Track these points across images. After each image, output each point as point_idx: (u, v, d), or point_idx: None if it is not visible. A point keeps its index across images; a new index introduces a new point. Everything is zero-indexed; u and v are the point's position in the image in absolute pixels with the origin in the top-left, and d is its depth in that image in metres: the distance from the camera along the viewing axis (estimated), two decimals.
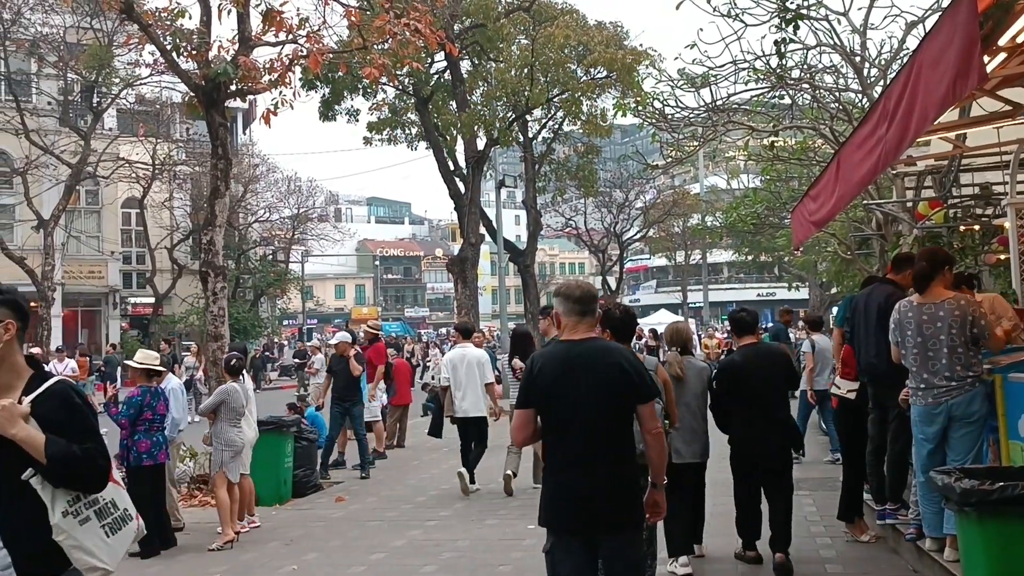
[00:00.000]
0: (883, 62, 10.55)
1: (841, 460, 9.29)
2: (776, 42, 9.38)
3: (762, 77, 10.57)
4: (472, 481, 9.34)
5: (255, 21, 10.11)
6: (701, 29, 13.20)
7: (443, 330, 54.57)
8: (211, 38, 10.06)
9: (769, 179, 17.80)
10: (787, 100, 11.60)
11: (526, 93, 21.75)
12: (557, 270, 78.86)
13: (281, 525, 8.26)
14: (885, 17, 16.79)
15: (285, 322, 50.95)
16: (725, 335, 25.47)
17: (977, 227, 9.10)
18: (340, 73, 17.82)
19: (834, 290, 25.61)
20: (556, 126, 27.72)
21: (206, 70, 9.85)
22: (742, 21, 9.67)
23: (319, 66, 9.83)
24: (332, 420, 10.96)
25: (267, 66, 9.86)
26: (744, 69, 10.36)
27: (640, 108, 12.04)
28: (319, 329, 50.48)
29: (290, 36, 9.89)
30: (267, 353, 34.77)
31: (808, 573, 5.81)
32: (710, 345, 22.59)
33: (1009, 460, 4.94)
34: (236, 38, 10.13)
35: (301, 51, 9.96)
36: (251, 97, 14.16)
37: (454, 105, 23.36)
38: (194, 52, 9.89)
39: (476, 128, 22.32)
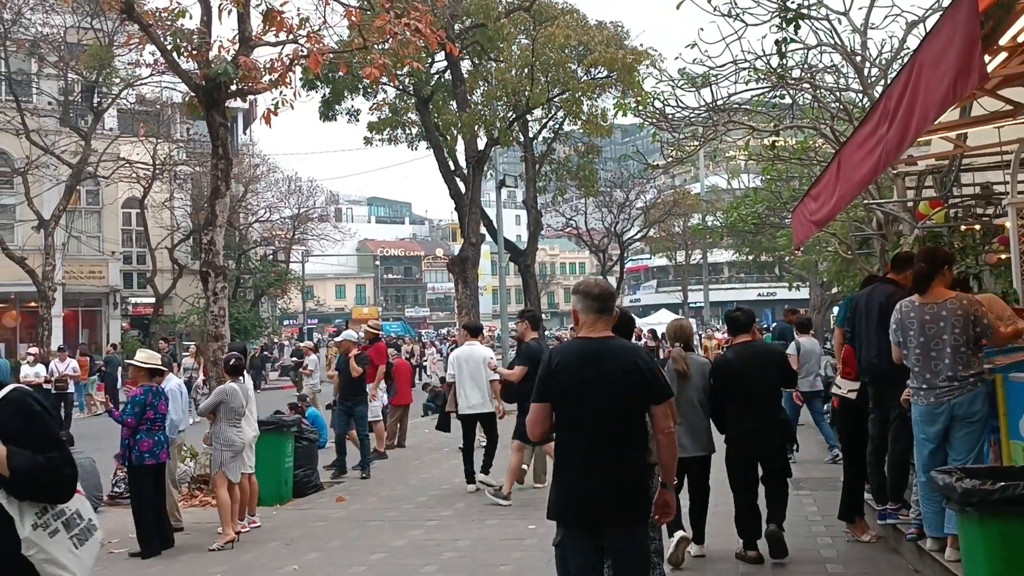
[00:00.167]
0: (884, 62, 10.55)
1: (840, 456, 9.37)
2: (777, 42, 9.37)
3: (763, 77, 10.56)
4: (475, 478, 9.41)
5: (255, 21, 10.13)
6: (701, 29, 13.21)
7: (444, 330, 54.60)
8: (211, 38, 10.07)
9: (770, 179, 17.79)
10: (788, 100, 11.60)
11: (526, 93, 21.75)
12: (557, 270, 78.89)
13: (282, 525, 8.26)
14: (886, 17, 16.81)
15: (286, 322, 50.98)
16: (725, 335, 25.47)
17: (978, 227, 9.09)
18: (340, 73, 17.82)
19: (835, 290, 25.59)
20: (556, 126, 27.72)
21: (206, 70, 9.85)
22: (743, 21, 9.67)
23: (319, 66, 9.83)
24: (336, 419, 10.99)
25: (267, 66, 9.86)
26: (745, 69, 10.35)
27: (640, 108, 12.03)
28: (320, 329, 50.52)
29: (290, 36, 9.89)
30: (265, 353, 34.75)
31: (809, 573, 5.81)
32: (709, 346, 22.54)
33: (1010, 460, 4.93)
34: (236, 38, 10.13)
35: (301, 51, 9.95)
36: (251, 97, 14.15)
37: (454, 105, 23.35)
38: (194, 52, 9.89)
39: (476, 128, 22.31)
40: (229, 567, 6.81)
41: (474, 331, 10.09)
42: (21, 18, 22.05)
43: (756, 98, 11.72)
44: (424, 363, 26.00)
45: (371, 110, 24.73)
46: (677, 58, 15.76)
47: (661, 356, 14.84)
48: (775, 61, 9.90)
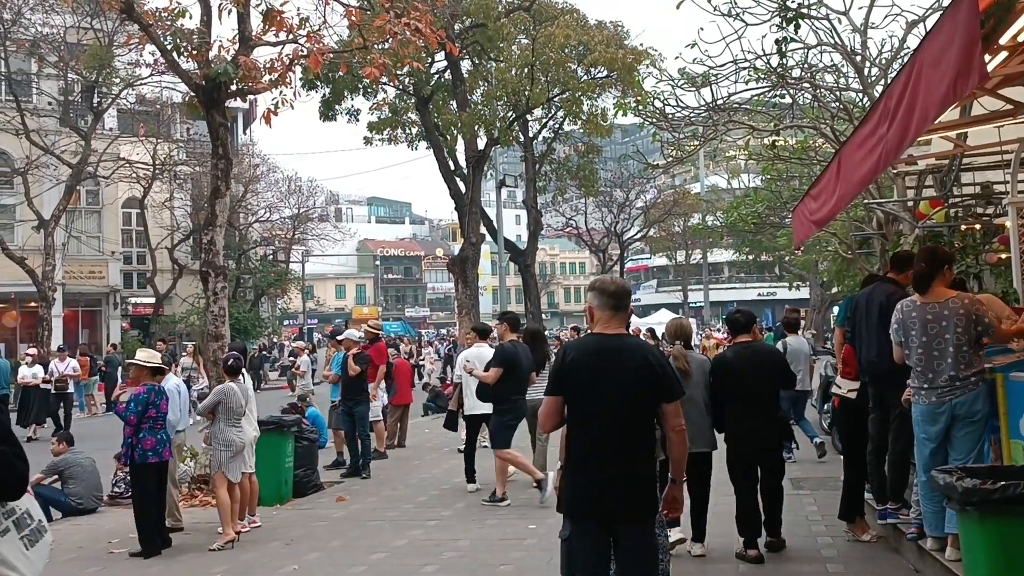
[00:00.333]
0: (884, 61, 10.56)
1: (816, 441, 10.12)
2: (777, 41, 9.38)
3: (763, 76, 10.57)
4: (475, 477, 9.45)
5: (255, 21, 10.12)
6: (702, 28, 13.22)
7: (444, 330, 54.61)
8: (211, 38, 10.06)
9: (770, 178, 17.82)
10: (788, 99, 11.61)
11: (526, 93, 21.76)
12: (558, 270, 78.93)
13: (282, 525, 8.26)
14: (886, 16, 16.85)
15: (286, 322, 51.00)
16: (725, 335, 25.46)
17: (978, 226, 9.09)
18: (340, 73, 17.83)
19: (835, 289, 25.62)
20: (556, 126, 27.74)
21: (206, 70, 9.85)
22: (743, 20, 9.68)
23: (319, 66, 9.82)
24: (340, 420, 11.00)
25: (267, 66, 9.85)
26: (745, 68, 10.37)
27: (641, 107, 12.05)
28: (320, 329, 50.52)
29: (290, 36, 9.88)
30: (264, 353, 34.74)
31: (809, 572, 5.81)
32: (708, 346, 22.48)
33: (1010, 459, 4.93)
34: (236, 38, 10.13)
35: (301, 51, 9.95)
36: (251, 97, 14.14)
37: (454, 105, 23.36)
38: (194, 52, 9.89)
39: (476, 128, 22.32)
40: (229, 567, 6.81)
41: (483, 333, 10.17)
42: (21, 18, 22.07)
43: (756, 98, 11.73)
44: (421, 362, 25.96)
45: (371, 110, 24.77)
46: (677, 58, 15.85)
47: None
48: (775, 61, 9.91)
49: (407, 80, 22.60)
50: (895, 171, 9.07)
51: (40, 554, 2.76)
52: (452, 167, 23.68)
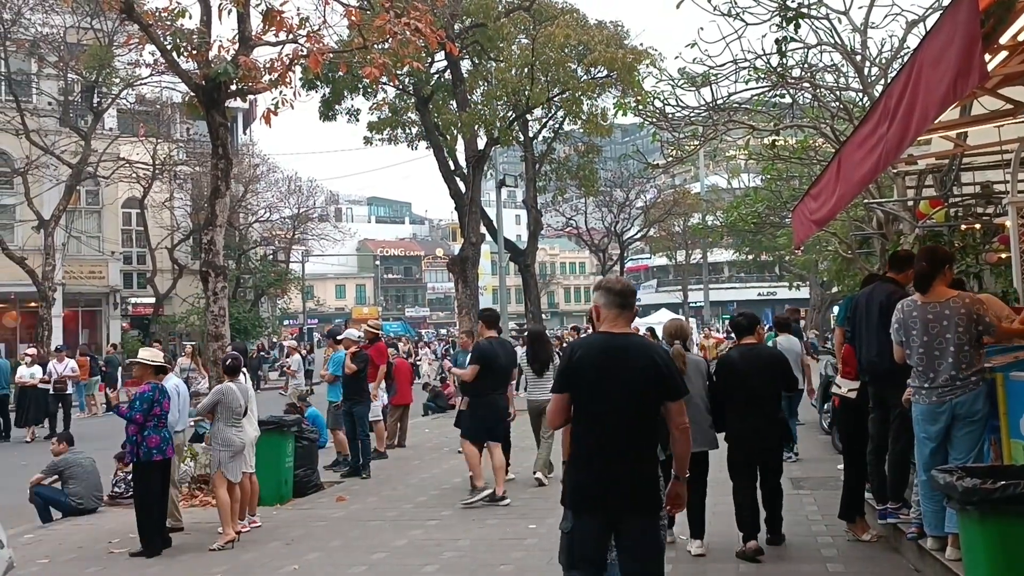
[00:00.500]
0: (884, 61, 10.55)
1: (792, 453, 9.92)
2: (777, 41, 9.38)
3: (763, 76, 10.57)
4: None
5: (255, 21, 10.12)
6: (701, 28, 13.22)
7: (443, 331, 54.60)
8: (211, 38, 10.06)
9: (770, 178, 17.80)
10: (788, 99, 11.61)
11: (526, 92, 21.75)
12: (558, 270, 78.92)
13: (282, 525, 8.26)
14: (886, 16, 16.86)
15: (286, 322, 50.97)
16: (725, 335, 25.46)
17: (978, 226, 9.10)
18: (340, 73, 17.81)
19: (835, 289, 25.62)
20: (556, 125, 27.73)
21: (206, 70, 9.84)
22: (743, 20, 9.67)
23: (319, 66, 9.82)
24: (341, 420, 10.99)
25: (267, 66, 9.84)
26: (745, 68, 10.37)
27: (641, 107, 12.05)
28: (320, 329, 50.51)
29: (290, 36, 9.88)
30: (262, 353, 34.71)
31: (809, 572, 5.81)
32: (707, 345, 22.49)
33: (1011, 459, 4.93)
34: (236, 38, 10.13)
35: (301, 51, 9.95)
36: (251, 97, 14.15)
37: (454, 105, 23.35)
38: (194, 52, 9.89)
39: (476, 128, 22.32)
40: (229, 567, 6.81)
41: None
42: (21, 18, 22.06)
43: (756, 97, 11.73)
44: (418, 362, 25.96)
45: (371, 110, 24.76)
46: (677, 57, 15.84)
47: None
48: (775, 60, 9.91)
49: (407, 80, 22.59)
50: (895, 171, 9.07)
51: None
52: (452, 167, 23.67)
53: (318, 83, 21.77)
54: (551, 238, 64.40)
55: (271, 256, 39.06)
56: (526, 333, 11.18)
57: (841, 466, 9.92)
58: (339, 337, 11.36)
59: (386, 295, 77.62)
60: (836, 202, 5.51)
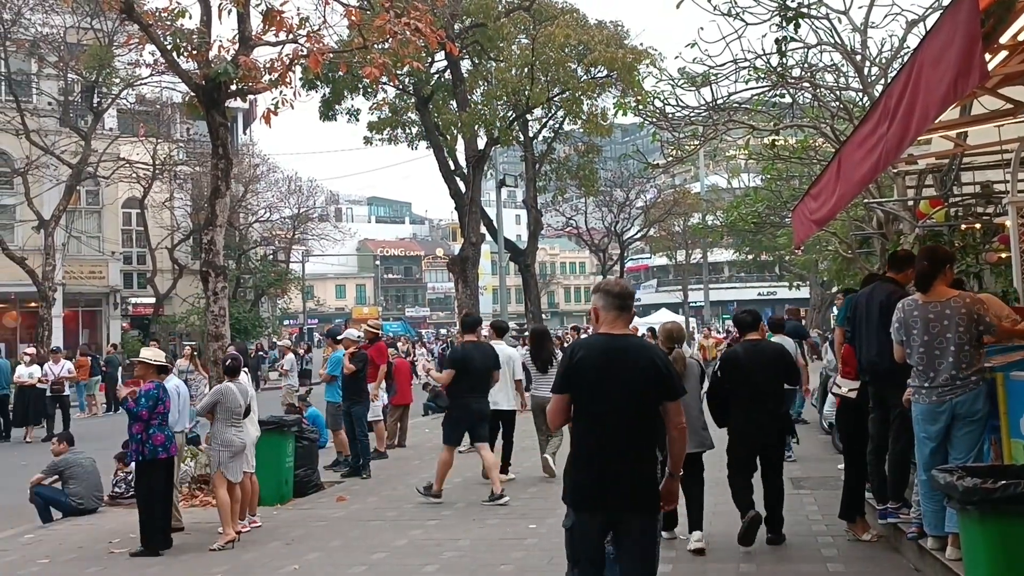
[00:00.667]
0: (884, 60, 10.55)
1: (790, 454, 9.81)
2: (777, 40, 9.38)
3: (763, 76, 10.57)
4: (505, 471, 9.71)
5: (255, 21, 10.11)
6: (701, 28, 13.22)
7: (443, 331, 54.59)
8: (211, 38, 10.05)
9: (770, 178, 17.80)
10: (788, 99, 11.60)
11: (526, 92, 21.76)
12: (558, 269, 78.93)
13: (282, 525, 8.26)
14: (886, 15, 16.86)
15: (286, 322, 50.99)
16: (725, 335, 25.47)
17: (978, 225, 9.10)
18: (340, 73, 17.83)
19: (835, 289, 25.60)
20: (557, 125, 27.73)
21: (206, 70, 9.84)
22: (743, 20, 9.67)
23: (319, 66, 9.82)
24: (341, 420, 11.00)
25: (267, 66, 9.84)
26: (745, 68, 10.36)
27: (641, 107, 12.05)
28: (320, 329, 50.51)
29: (290, 36, 9.87)
30: (260, 353, 34.69)
31: (809, 572, 5.81)
32: (707, 345, 22.47)
33: (1011, 458, 4.93)
34: (236, 38, 10.12)
35: (301, 51, 9.94)
36: (251, 97, 14.14)
37: (454, 104, 23.37)
38: (194, 52, 9.88)
39: (476, 127, 22.34)
40: (229, 567, 6.81)
41: (500, 331, 10.56)
42: (21, 18, 22.06)
43: (756, 97, 11.72)
44: (414, 362, 25.94)
45: (371, 110, 24.78)
46: (677, 57, 15.82)
47: None
48: (775, 60, 9.91)
49: (407, 80, 22.61)
50: (895, 170, 9.06)
51: None
52: (452, 167, 23.69)
53: (318, 83, 21.80)
54: (551, 238, 64.40)
55: (271, 256, 39.06)
56: (527, 333, 11.36)
57: (841, 466, 9.95)
58: (339, 337, 11.37)
59: (386, 295, 77.63)
60: (836, 202, 5.51)
